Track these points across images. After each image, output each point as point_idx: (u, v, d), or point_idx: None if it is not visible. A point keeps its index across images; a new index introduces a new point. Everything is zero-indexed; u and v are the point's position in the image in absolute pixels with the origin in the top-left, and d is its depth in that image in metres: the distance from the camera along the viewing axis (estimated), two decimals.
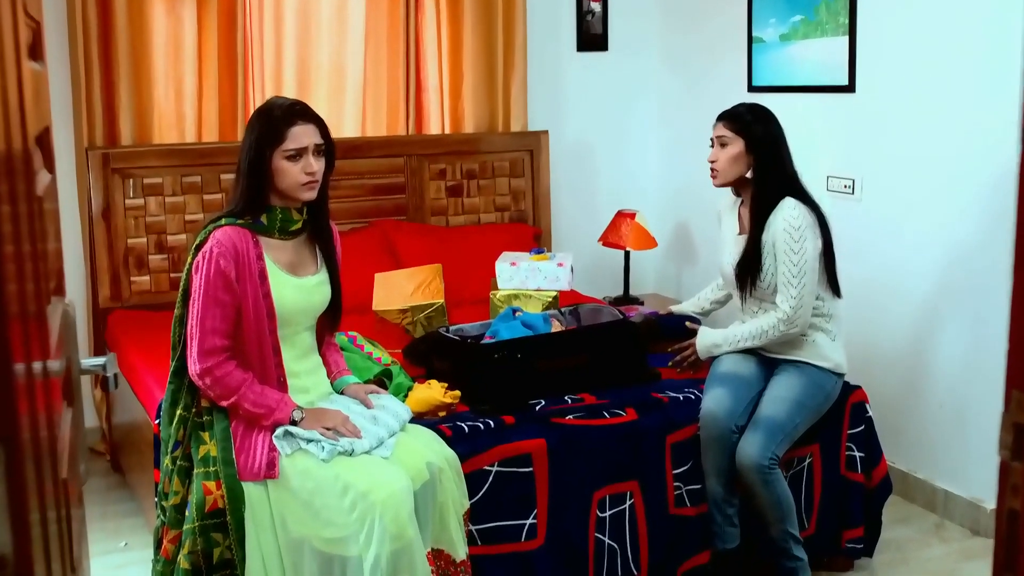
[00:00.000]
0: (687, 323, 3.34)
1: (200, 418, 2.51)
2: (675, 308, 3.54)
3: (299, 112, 2.52)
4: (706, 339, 3.17)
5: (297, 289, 2.55)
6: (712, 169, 3.10)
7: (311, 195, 2.54)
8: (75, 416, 1.46)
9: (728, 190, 3.19)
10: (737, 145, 3.04)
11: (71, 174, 4.08)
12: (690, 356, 3.22)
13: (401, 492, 2.37)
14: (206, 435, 2.50)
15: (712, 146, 3.11)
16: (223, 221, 2.50)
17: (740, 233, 3.15)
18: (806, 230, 2.96)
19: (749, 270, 3.05)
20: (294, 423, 2.47)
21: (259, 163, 2.48)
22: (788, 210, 2.98)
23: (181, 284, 2.52)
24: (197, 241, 2.50)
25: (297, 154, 2.48)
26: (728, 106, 3.15)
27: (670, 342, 3.31)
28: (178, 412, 2.51)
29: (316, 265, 2.64)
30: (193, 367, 2.44)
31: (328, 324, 2.72)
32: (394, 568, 2.32)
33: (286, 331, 2.55)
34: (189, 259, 2.50)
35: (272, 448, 2.45)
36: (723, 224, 3.26)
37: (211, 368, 2.43)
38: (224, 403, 2.47)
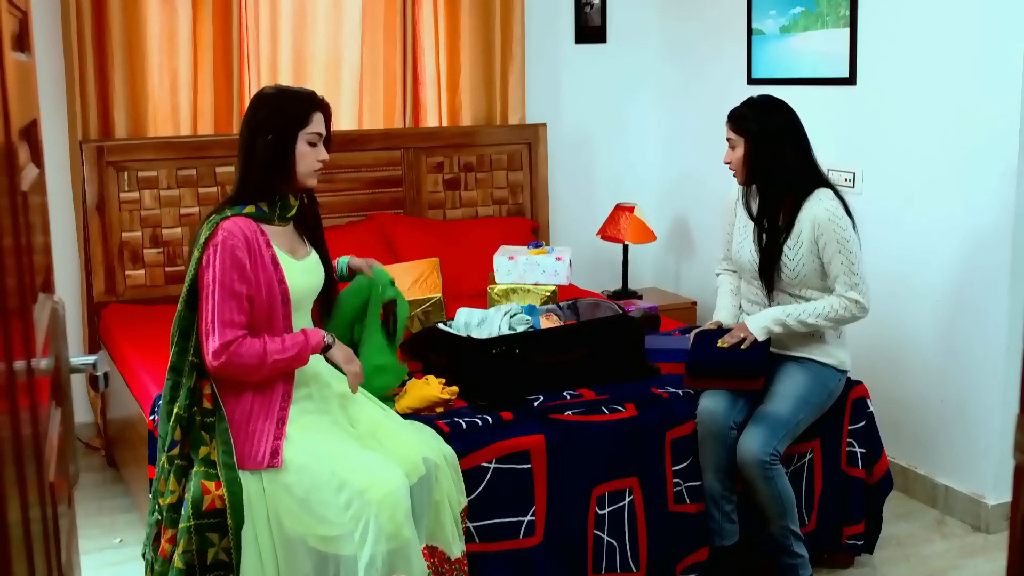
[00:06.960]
0: (719, 343, 3.01)
1: (203, 418, 2.47)
2: (714, 323, 3.18)
3: (318, 100, 2.58)
4: (759, 321, 2.96)
5: (302, 272, 2.57)
6: (733, 171, 3.08)
7: (316, 183, 2.61)
8: (65, 415, 1.43)
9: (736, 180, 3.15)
10: (743, 146, 3.01)
11: (65, 167, 4.04)
12: (744, 343, 2.97)
13: (398, 491, 2.35)
14: (207, 436, 2.46)
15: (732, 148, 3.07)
16: (228, 212, 2.48)
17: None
18: (847, 218, 2.96)
19: (770, 261, 3.00)
20: (328, 347, 2.53)
21: (285, 145, 2.51)
22: (828, 200, 2.96)
23: (187, 280, 2.47)
24: (205, 235, 2.46)
25: (315, 140, 2.55)
26: (731, 101, 3.12)
27: (726, 376, 2.98)
28: (175, 410, 2.47)
29: (306, 247, 2.66)
30: (212, 361, 2.39)
31: (324, 307, 2.70)
32: (390, 568, 2.30)
33: (295, 316, 2.55)
34: (197, 254, 2.46)
35: (277, 437, 2.42)
36: (739, 215, 3.19)
37: (227, 358, 2.38)
38: (256, 377, 2.43)
